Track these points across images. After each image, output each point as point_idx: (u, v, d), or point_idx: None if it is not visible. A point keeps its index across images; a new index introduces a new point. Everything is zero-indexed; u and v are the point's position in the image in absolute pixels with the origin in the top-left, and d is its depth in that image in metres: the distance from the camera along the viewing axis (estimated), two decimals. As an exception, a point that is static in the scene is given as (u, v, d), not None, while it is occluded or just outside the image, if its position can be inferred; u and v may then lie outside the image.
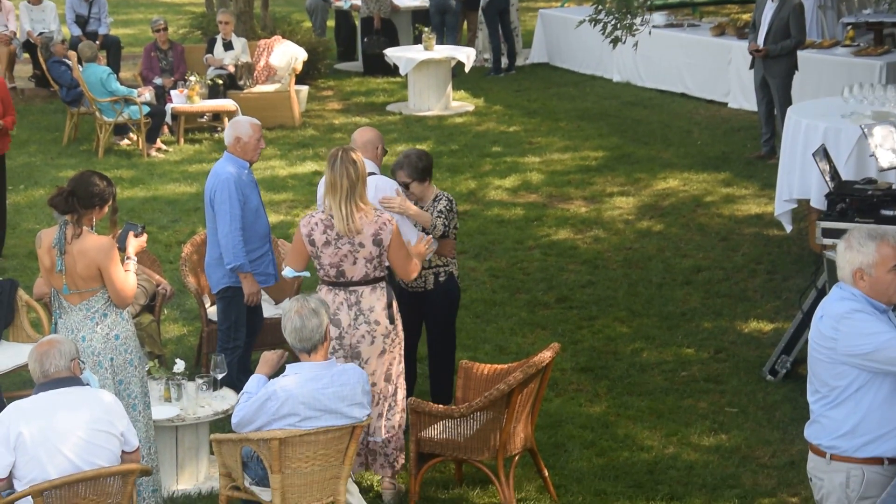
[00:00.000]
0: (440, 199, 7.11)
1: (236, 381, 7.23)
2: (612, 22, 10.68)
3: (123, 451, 5.43)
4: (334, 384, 5.73)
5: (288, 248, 8.29)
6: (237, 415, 5.81)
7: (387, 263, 6.51)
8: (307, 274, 6.65)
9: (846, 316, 4.83)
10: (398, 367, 6.62)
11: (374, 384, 6.49)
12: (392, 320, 6.53)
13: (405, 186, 7.03)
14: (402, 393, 6.66)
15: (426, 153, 7.21)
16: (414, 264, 6.57)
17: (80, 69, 13.54)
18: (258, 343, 8.00)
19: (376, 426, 6.56)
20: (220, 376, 6.76)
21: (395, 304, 6.57)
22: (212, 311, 8.10)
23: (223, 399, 6.79)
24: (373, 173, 6.89)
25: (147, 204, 11.89)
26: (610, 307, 9.21)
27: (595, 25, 10.84)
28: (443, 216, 7.03)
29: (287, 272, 6.61)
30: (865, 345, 4.78)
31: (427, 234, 6.93)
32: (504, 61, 17.48)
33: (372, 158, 7.03)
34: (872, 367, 4.80)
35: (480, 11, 17.57)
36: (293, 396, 5.68)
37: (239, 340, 7.53)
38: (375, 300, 6.47)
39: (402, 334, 6.64)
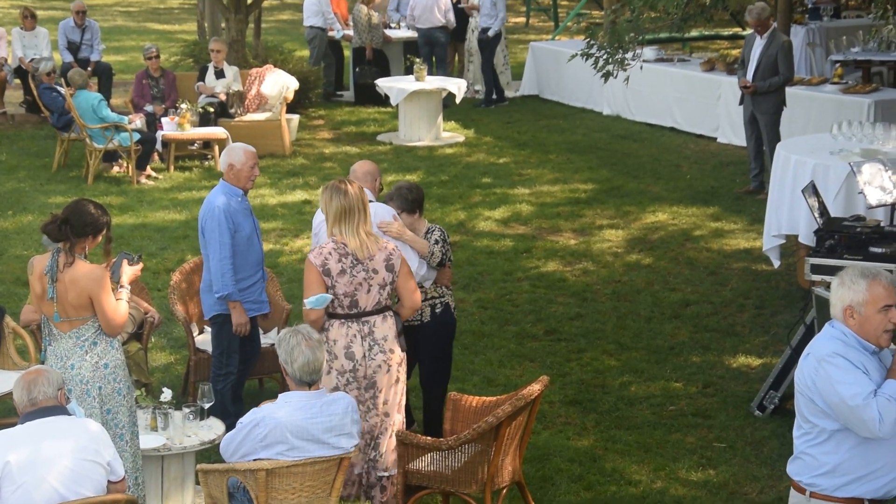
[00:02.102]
0: (433, 231, 7.20)
1: (229, 409, 7.20)
2: (604, 56, 10.74)
3: (109, 481, 5.39)
4: (323, 414, 5.72)
5: (273, 276, 8.32)
6: (226, 439, 5.83)
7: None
8: (331, 296, 6.44)
9: (826, 359, 4.83)
10: (403, 398, 6.65)
11: (387, 414, 6.50)
12: (403, 349, 6.59)
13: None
14: (402, 422, 6.70)
15: (417, 186, 7.27)
16: (419, 293, 6.67)
17: (72, 95, 13.55)
18: (254, 371, 7.97)
19: (389, 459, 6.57)
20: (207, 405, 6.73)
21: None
22: (199, 340, 8.08)
23: (210, 429, 6.75)
24: (371, 201, 6.99)
25: (136, 231, 11.88)
26: (598, 340, 9.21)
27: (587, 60, 10.89)
28: (439, 244, 7.10)
29: (309, 301, 6.40)
30: (833, 394, 4.78)
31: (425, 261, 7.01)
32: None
33: (370, 189, 7.17)
34: (838, 416, 4.80)
35: (475, 43, 17.64)
36: (281, 425, 5.66)
37: (231, 367, 7.49)
38: (388, 329, 6.51)
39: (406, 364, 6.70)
